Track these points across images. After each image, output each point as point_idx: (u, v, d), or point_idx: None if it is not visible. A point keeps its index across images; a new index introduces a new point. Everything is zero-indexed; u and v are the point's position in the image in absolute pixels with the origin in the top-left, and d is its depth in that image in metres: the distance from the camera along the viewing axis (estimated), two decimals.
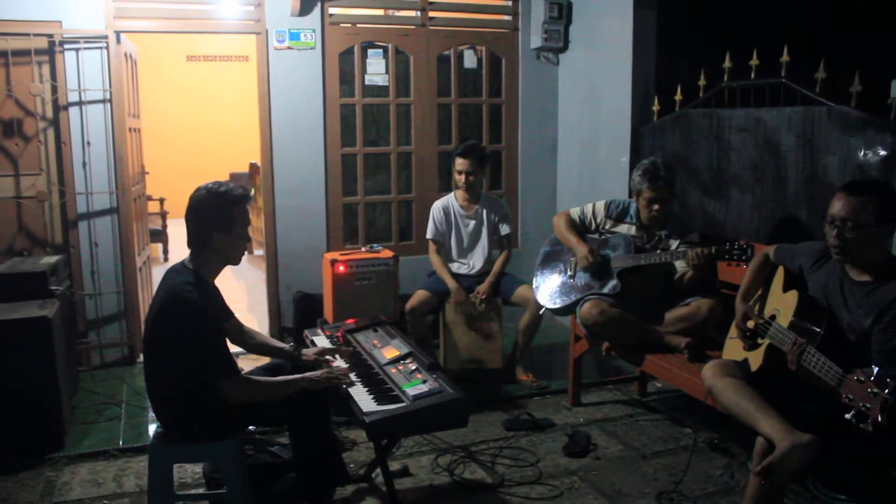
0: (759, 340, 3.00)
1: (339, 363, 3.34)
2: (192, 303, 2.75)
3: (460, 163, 4.78)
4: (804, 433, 2.51)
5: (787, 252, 3.09)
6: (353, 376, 3.20)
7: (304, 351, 3.35)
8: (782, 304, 2.94)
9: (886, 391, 2.21)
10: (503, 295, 4.84)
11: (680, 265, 3.94)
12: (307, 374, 3.03)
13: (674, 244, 4.04)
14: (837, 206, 2.68)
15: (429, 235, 4.97)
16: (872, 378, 2.26)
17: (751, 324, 3.05)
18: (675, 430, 4.21)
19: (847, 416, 2.30)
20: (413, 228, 6.06)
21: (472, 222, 4.93)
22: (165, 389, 2.85)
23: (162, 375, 2.85)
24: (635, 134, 5.19)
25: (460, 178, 4.81)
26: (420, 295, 4.80)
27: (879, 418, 2.21)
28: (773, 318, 2.95)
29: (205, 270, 2.90)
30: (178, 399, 2.82)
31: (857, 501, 3.28)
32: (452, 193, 5.02)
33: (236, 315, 3.31)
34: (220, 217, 2.84)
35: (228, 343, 3.09)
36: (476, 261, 4.94)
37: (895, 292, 2.60)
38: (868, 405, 2.24)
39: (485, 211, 4.93)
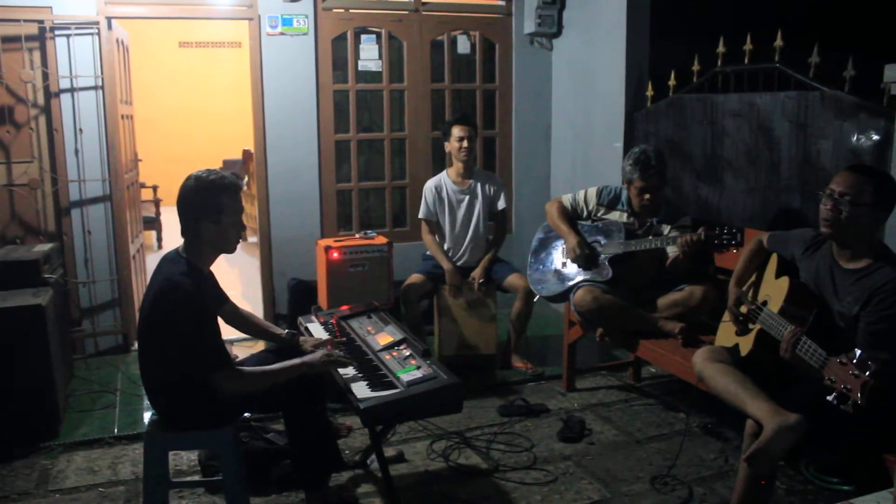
0: (751, 325, 3.01)
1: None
2: (186, 294, 2.72)
3: (459, 129, 4.78)
4: (791, 413, 2.55)
5: (780, 239, 3.10)
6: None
7: (302, 340, 3.34)
8: (774, 290, 2.95)
9: (867, 373, 2.23)
10: (495, 281, 4.84)
11: (672, 251, 3.95)
12: (305, 358, 3.00)
13: (666, 230, 4.04)
14: (838, 181, 2.70)
15: (421, 215, 4.97)
16: (854, 361, 2.29)
17: (743, 308, 3.07)
18: (669, 415, 4.23)
19: (829, 397, 2.33)
20: (407, 214, 6.06)
21: (466, 197, 4.92)
22: (160, 378, 2.83)
23: (156, 364, 2.83)
24: (629, 119, 5.19)
25: (460, 145, 4.79)
26: (414, 278, 4.80)
27: (860, 400, 2.23)
28: (764, 303, 2.96)
29: (199, 260, 2.88)
30: (172, 387, 2.80)
31: (848, 484, 3.30)
32: (444, 171, 5.01)
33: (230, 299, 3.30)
34: (208, 207, 2.80)
35: (225, 326, 3.08)
36: (470, 248, 4.93)
37: (883, 279, 2.62)
38: (849, 387, 2.27)
39: (479, 185, 4.92)
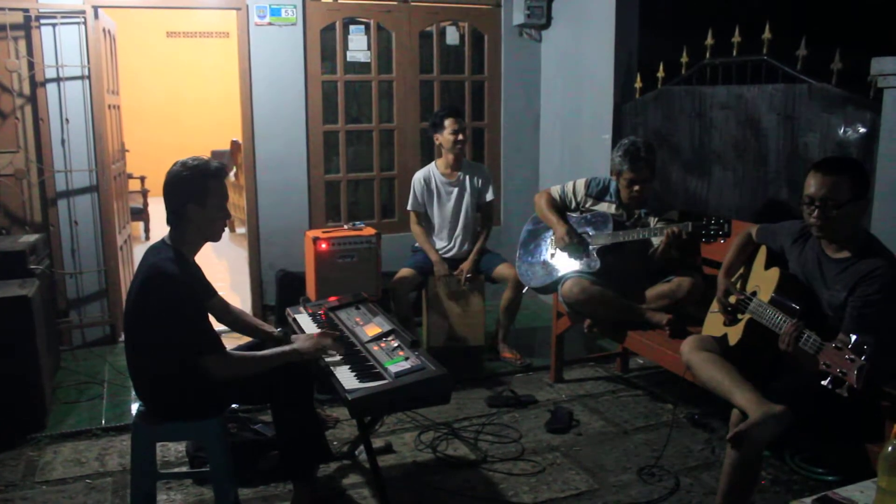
0: (739, 316, 3.03)
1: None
2: (173, 279, 2.72)
3: (454, 122, 4.78)
4: (776, 404, 2.57)
5: (769, 231, 3.12)
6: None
7: (294, 337, 3.31)
8: (763, 280, 2.97)
9: (863, 357, 2.25)
10: (484, 272, 4.86)
11: (658, 242, 3.96)
12: (295, 345, 3.01)
13: (653, 222, 4.06)
14: (815, 187, 2.70)
15: (409, 206, 4.97)
16: (850, 345, 2.30)
17: (732, 299, 3.09)
18: (656, 406, 4.25)
19: (824, 382, 2.34)
20: (395, 206, 6.05)
21: (455, 190, 4.93)
22: (147, 368, 2.82)
23: (144, 353, 2.83)
24: (617, 111, 5.19)
25: (455, 138, 4.79)
26: (404, 272, 4.80)
27: (856, 383, 2.25)
28: (753, 294, 2.98)
29: (184, 247, 2.88)
30: (159, 378, 2.80)
31: (833, 474, 3.33)
32: (433, 163, 5.01)
33: (219, 293, 3.28)
34: (193, 189, 2.81)
35: (213, 321, 3.08)
36: (459, 240, 4.94)
37: (869, 267, 2.65)
38: (845, 371, 2.29)
39: (468, 177, 4.93)
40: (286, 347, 3.00)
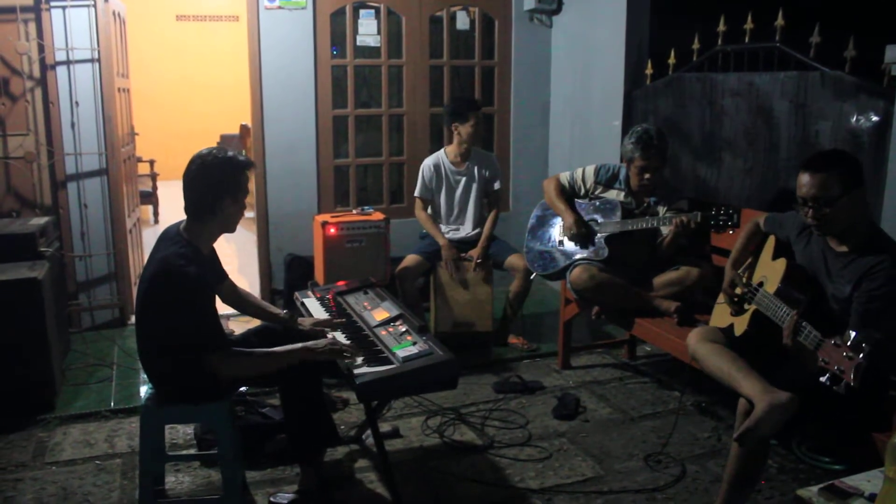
0: (746, 306, 3.03)
1: (338, 335, 3.22)
2: (184, 276, 2.68)
3: (477, 116, 4.80)
4: (782, 392, 2.57)
5: (776, 221, 3.11)
6: (343, 338, 3.18)
7: (300, 320, 3.32)
8: (770, 271, 2.96)
9: (861, 355, 2.24)
10: (493, 259, 4.85)
11: (666, 231, 3.95)
12: (308, 343, 2.94)
13: (662, 210, 4.05)
14: (805, 187, 2.70)
15: (417, 193, 4.97)
16: (849, 343, 2.29)
17: (738, 290, 3.08)
18: (663, 393, 4.25)
19: (822, 379, 2.34)
20: (404, 191, 6.04)
21: (464, 179, 4.92)
22: (156, 353, 2.82)
23: (151, 343, 2.82)
24: (628, 97, 5.17)
25: (475, 131, 4.82)
26: (411, 259, 4.80)
27: (853, 382, 2.24)
28: (760, 284, 2.97)
29: (201, 239, 2.84)
30: (168, 363, 2.79)
31: (840, 463, 3.33)
32: (442, 150, 5.01)
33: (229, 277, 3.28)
34: (231, 182, 2.78)
35: (221, 304, 3.07)
36: (467, 224, 4.93)
37: (873, 262, 2.64)
38: (842, 368, 2.28)
39: (476, 167, 4.92)
40: (298, 346, 2.91)
